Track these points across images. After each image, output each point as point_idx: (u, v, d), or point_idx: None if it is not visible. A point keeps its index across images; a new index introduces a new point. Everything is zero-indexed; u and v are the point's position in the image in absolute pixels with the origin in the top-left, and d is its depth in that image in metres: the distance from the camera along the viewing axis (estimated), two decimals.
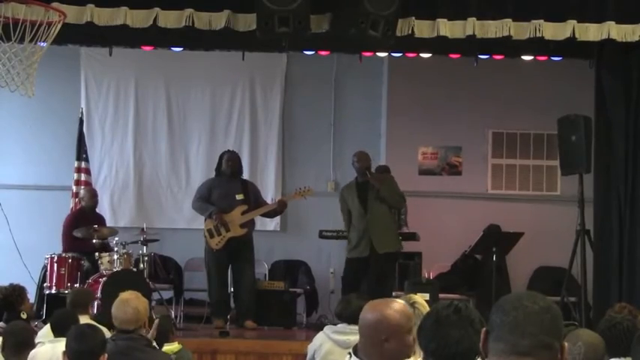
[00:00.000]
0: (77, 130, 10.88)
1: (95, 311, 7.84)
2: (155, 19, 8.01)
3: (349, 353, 3.44)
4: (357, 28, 7.83)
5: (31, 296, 8.48)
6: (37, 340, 5.72)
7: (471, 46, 8.70)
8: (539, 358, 2.18)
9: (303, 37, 8.11)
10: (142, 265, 9.10)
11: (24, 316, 6.73)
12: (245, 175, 9.90)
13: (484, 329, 2.26)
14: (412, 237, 9.65)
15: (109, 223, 10.33)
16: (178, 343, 5.96)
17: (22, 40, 6.07)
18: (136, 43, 9.22)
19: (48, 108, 11.00)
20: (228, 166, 9.54)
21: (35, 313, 8.80)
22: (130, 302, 5.05)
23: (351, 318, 5.27)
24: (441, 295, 8.80)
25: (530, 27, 8.14)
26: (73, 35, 8.24)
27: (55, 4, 7.09)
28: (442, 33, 8.11)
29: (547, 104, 10.65)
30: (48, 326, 6.02)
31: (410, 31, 8.12)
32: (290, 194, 9.98)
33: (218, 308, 9.41)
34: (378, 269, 9.09)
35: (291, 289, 9.88)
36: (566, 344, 2.23)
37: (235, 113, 11.37)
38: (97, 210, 10.33)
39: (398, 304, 3.44)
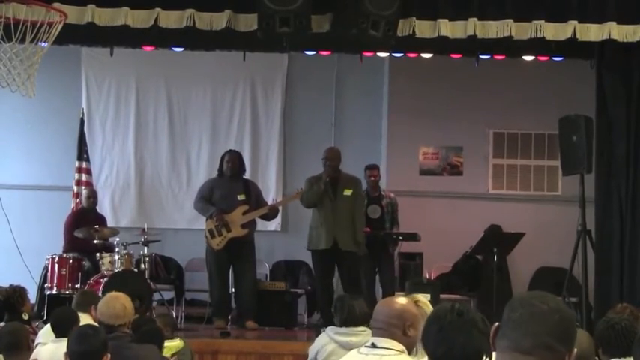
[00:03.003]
0: (78, 130, 10.89)
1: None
2: (156, 20, 8.01)
3: (372, 344, 3.78)
4: (358, 28, 7.83)
5: (32, 297, 8.48)
6: (37, 341, 5.73)
7: (472, 46, 8.69)
8: (542, 358, 2.18)
9: (304, 38, 8.12)
10: (143, 266, 9.10)
11: (25, 316, 6.72)
12: (246, 175, 9.89)
13: (496, 323, 2.27)
14: (413, 237, 9.64)
15: (110, 223, 10.34)
16: (180, 339, 5.97)
17: (23, 41, 6.07)
18: (136, 43, 9.21)
19: (49, 108, 11.01)
20: (228, 167, 9.54)
21: (36, 314, 8.80)
22: (118, 298, 5.21)
23: (355, 320, 5.28)
24: (442, 296, 8.81)
25: (531, 27, 8.14)
26: (74, 35, 8.24)
27: (56, 5, 7.09)
28: (443, 33, 8.12)
29: (548, 104, 10.65)
30: (48, 326, 6.02)
31: (411, 32, 8.12)
32: (290, 195, 9.99)
33: (219, 308, 9.41)
34: (344, 266, 9.17)
35: (292, 290, 9.89)
36: (575, 350, 2.21)
37: (236, 113, 11.38)
38: (98, 210, 10.34)
39: (409, 299, 4.07)
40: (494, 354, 2.32)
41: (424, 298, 4.25)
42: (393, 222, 9.77)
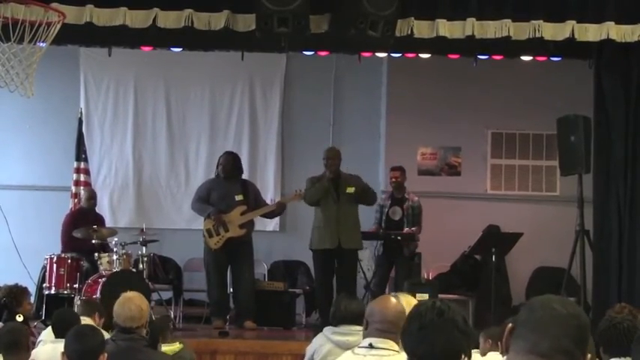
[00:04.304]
0: (76, 130, 10.87)
1: None
2: (154, 20, 8.01)
3: (369, 345, 3.81)
4: (357, 28, 7.83)
5: (31, 297, 8.47)
6: (38, 340, 5.73)
7: (470, 46, 8.69)
8: None
9: (302, 38, 8.12)
10: (141, 266, 9.09)
11: (20, 318, 6.71)
12: (244, 175, 9.89)
13: (510, 325, 2.23)
14: (411, 237, 9.66)
15: (108, 223, 10.33)
16: (180, 343, 5.96)
17: (21, 41, 6.07)
18: (135, 43, 9.21)
19: (47, 108, 11.00)
20: (222, 169, 9.54)
21: (35, 314, 8.80)
22: (133, 300, 5.13)
23: (352, 320, 5.28)
24: (441, 296, 8.80)
25: (529, 27, 8.15)
26: (73, 35, 8.23)
27: (54, 5, 7.09)
28: (441, 33, 8.12)
29: (546, 104, 10.65)
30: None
31: (409, 32, 8.12)
32: (289, 195, 9.98)
33: (217, 308, 9.41)
34: (344, 264, 9.19)
35: (290, 290, 9.89)
36: (589, 356, 2.20)
37: (235, 113, 11.37)
38: (97, 210, 10.33)
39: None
40: (495, 354, 2.31)
41: (407, 298, 4.27)
42: (413, 225, 9.77)
